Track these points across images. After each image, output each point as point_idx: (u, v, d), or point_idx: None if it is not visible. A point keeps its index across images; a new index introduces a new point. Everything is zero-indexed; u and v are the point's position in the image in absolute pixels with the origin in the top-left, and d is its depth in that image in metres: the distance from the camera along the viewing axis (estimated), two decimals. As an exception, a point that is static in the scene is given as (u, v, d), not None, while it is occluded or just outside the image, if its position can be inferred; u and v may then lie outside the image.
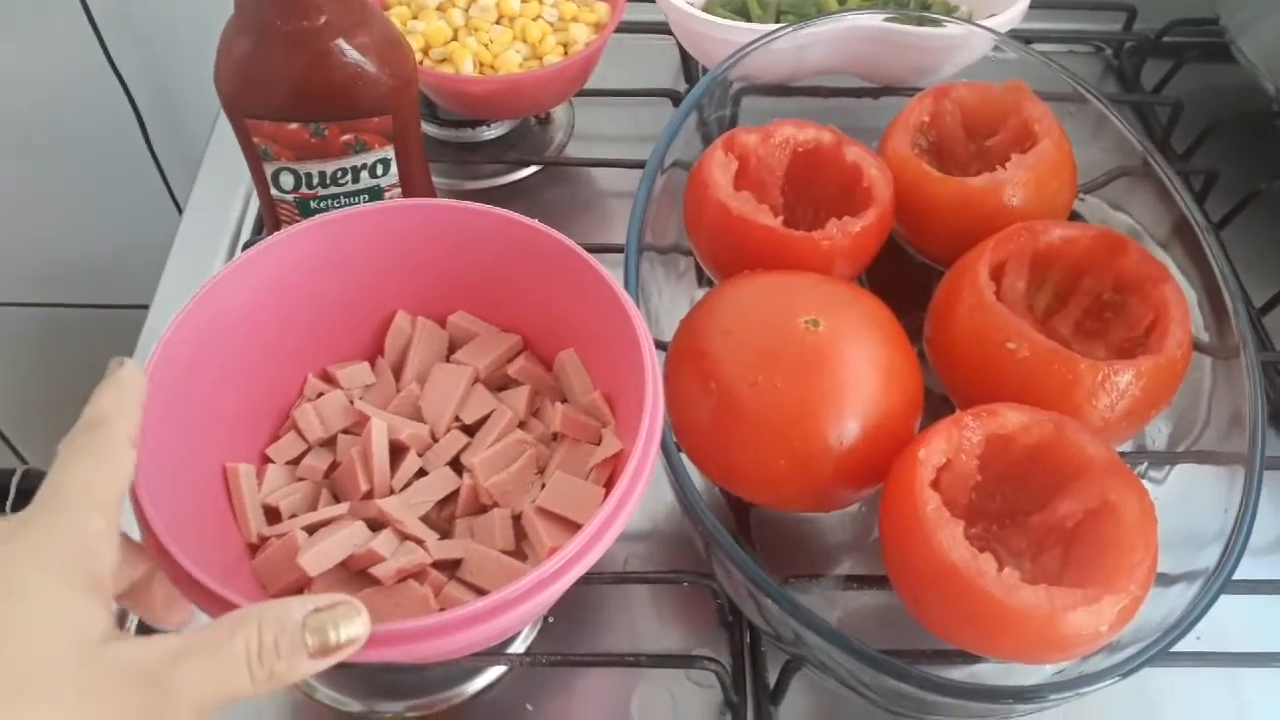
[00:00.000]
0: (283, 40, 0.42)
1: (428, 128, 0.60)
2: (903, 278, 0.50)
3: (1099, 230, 0.44)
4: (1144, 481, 0.45)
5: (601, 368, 0.42)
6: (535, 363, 0.44)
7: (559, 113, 0.64)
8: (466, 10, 0.55)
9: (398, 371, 0.44)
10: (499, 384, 0.44)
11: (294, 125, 0.45)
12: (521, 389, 0.43)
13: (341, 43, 0.43)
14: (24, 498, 0.99)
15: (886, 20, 0.53)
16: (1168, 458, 0.45)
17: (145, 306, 0.56)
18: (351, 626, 0.28)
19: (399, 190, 0.50)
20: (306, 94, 0.44)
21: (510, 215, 0.41)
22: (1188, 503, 0.42)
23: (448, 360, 0.44)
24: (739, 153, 0.47)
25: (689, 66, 0.66)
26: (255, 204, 0.59)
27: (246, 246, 0.56)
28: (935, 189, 0.47)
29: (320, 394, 0.43)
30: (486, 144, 0.62)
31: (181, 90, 0.80)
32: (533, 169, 0.61)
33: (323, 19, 0.42)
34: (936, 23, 0.54)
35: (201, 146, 0.63)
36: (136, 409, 0.31)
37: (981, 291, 0.41)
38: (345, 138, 0.46)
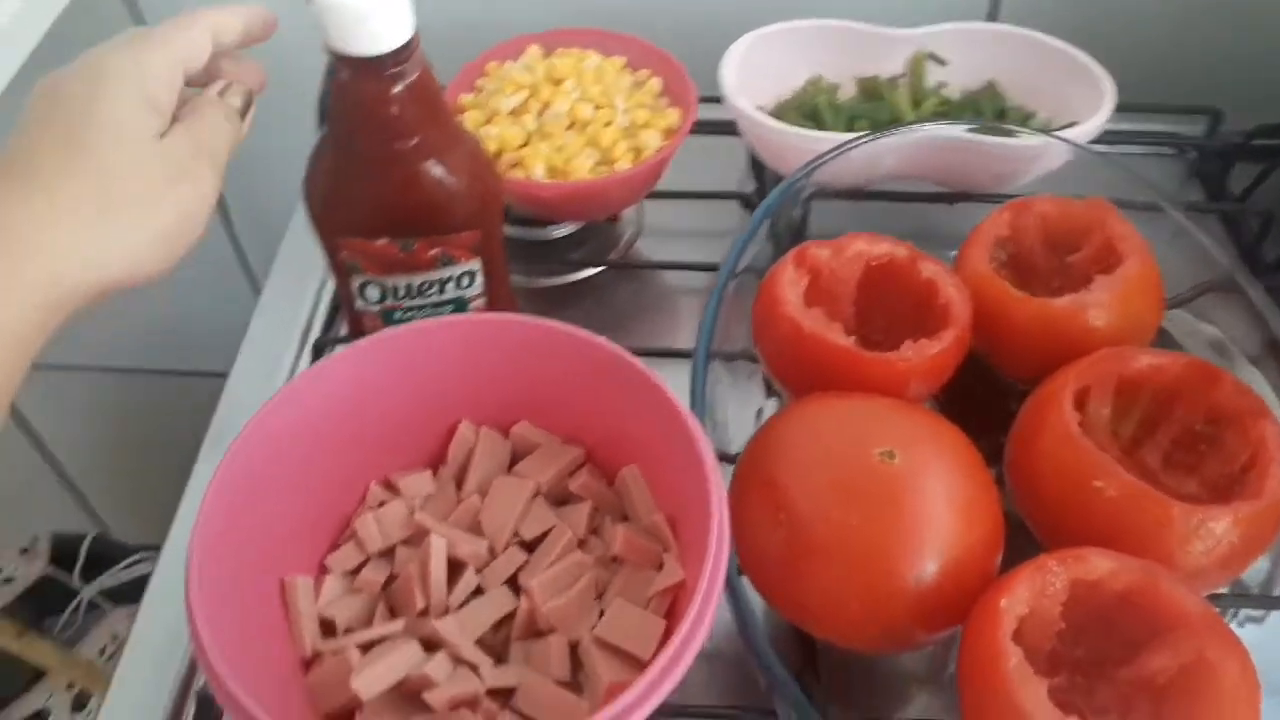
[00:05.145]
0: (375, 161, 0.42)
1: (500, 226, 0.61)
2: (979, 395, 0.48)
3: (1189, 359, 0.42)
4: (1243, 625, 0.42)
5: (664, 486, 0.41)
6: (597, 477, 0.43)
7: (628, 210, 0.64)
8: (539, 116, 0.55)
9: (459, 480, 0.44)
10: (560, 497, 0.43)
11: (382, 241, 0.44)
12: (582, 505, 0.42)
13: (433, 163, 0.42)
14: (93, 564, 1.01)
15: (968, 131, 0.53)
16: (1268, 602, 0.42)
17: (223, 374, 0.57)
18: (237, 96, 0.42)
19: (483, 300, 0.49)
20: (396, 213, 0.44)
21: (576, 332, 0.41)
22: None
23: (510, 471, 0.44)
24: (810, 266, 0.46)
25: (757, 165, 0.66)
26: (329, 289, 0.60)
27: (318, 343, 0.57)
28: (1016, 308, 0.45)
29: (382, 502, 0.43)
30: (557, 241, 0.62)
31: (262, 178, 0.82)
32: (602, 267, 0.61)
33: (415, 140, 0.42)
34: (1016, 134, 0.53)
35: (280, 232, 0.65)
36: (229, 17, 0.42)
37: (1067, 424, 0.39)
38: (433, 252, 0.45)
